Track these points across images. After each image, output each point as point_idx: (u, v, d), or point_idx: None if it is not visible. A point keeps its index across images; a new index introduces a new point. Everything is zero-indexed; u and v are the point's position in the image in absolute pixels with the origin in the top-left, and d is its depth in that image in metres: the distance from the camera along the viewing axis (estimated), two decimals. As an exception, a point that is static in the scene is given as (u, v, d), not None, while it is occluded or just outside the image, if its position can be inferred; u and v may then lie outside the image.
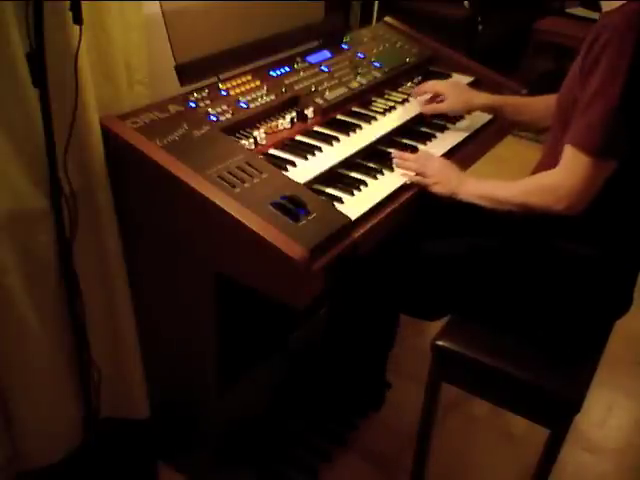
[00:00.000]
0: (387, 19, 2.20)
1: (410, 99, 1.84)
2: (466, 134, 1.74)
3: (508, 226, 1.46)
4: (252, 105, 1.57)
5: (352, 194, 1.40)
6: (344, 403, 1.78)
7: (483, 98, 1.74)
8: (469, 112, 1.77)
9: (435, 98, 1.77)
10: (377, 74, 1.88)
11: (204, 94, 1.54)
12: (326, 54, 1.89)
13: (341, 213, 1.30)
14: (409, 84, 1.95)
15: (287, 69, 1.76)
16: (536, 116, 1.69)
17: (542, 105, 1.67)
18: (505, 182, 1.41)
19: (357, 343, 1.65)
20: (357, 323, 1.61)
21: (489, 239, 1.47)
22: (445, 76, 2.04)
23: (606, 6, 1.28)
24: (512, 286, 1.41)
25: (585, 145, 1.23)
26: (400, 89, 1.92)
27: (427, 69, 2.08)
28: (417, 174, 1.49)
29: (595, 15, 1.36)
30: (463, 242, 1.51)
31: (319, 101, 1.67)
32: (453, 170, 1.51)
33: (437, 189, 1.47)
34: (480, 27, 3.87)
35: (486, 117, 1.82)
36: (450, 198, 1.46)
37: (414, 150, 1.62)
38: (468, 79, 2.03)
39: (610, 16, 1.23)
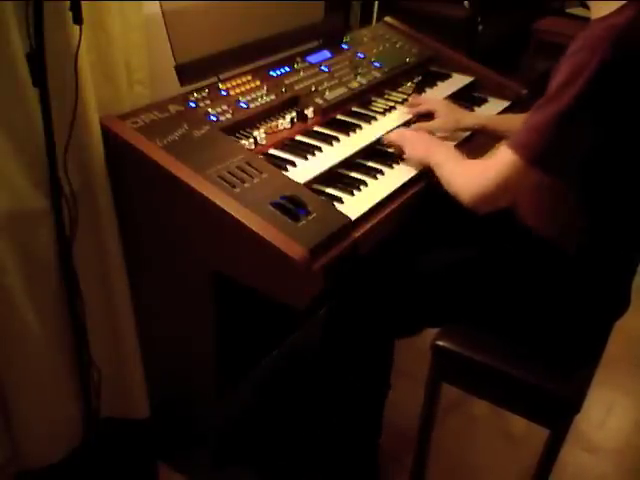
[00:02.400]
0: (387, 19, 2.21)
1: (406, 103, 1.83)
2: (466, 134, 1.74)
3: (503, 231, 1.46)
4: (252, 105, 1.57)
5: (352, 194, 1.40)
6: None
7: (472, 118, 1.75)
8: (458, 130, 1.74)
9: (426, 115, 1.75)
10: (377, 74, 1.88)
11: (204, 94, 1.54)
12: (326, 54, 1.89)
13: (341, 213, 1.30)
14: (409, 84, 1.95)
15: (287, 69, 1.76)
16: None
17: None
18: (462, 160, 1.42)
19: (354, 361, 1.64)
20: (353, 343, 1.59)
21: (485, 246, 1.47)
22: (445, 76, 2.04)
23: (595, 8, 1.26)
24: (510, 289, 1.41)
25: (516, 144, 1.19)
26: (400, 89, 1.92)
27: (427, 69, 2.08)
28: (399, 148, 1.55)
29: (595, 15, 1.34)
30: (459, 250, 1.51)
31: (319, 101, 1.67)
32: (431, 139, 1.56)
33: (411, 153, 1.51)
34: (480, 27, 3.86)
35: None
36: (425, 166, 1.48)
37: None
38: (468, 79, 2.03)
39: (593, 26, 1.19)
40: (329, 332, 1.57)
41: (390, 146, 1.58)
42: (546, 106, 1.17)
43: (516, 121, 1.72)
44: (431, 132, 1.71)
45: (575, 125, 1.16)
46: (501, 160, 1.23)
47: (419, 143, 1.53)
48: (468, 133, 1.72)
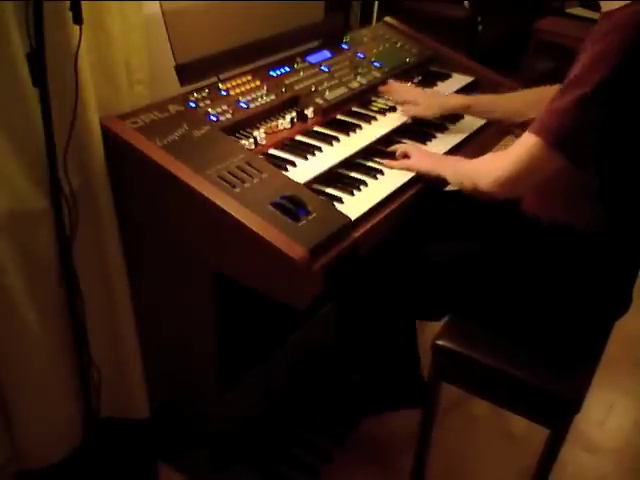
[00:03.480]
0: (387, 19, 2.21)
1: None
2: (466, 134, 1.74)
3: (505, 227, 1.46)
4: (252, 105, 1.57)
5: (352, 194, 1.40)
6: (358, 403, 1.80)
7: (457, 98, 1.75)
8: (444, 114, 1.74)
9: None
10: (377, 74, 1.88)
11: (204, 94, 1.54)
12: (326, 54, 1.89)
13: (341, 213, 1.30)
14: (409, 84, 1.95)
15: (287, 69, 1.76)
16: (509, 112, 1.67)
17: (518, 101, 1.67)
18: (473, 159, 1.41)
19: (368, 343, 1.65)
20: (366, 325, 1.61)
21: (487, 241, 1.47)
22: (445, 76, 2.04)
23: (605, 7, 1.27)
24: (511, 287, 1.41)
25: (539, 128, 1.19)
26: (400, 89, 1.92)
27: (427, 69, 2.08)
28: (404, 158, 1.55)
29: (595, 15, 1.34)
30: (462, 245, 1.51)
31: (319, 101, 1.67)
32: (436, 154, 1.56)
33: (417, 166, 1.49)
34: (480, 27, 3.87)
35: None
36: (435, 177, 1.48)
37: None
38: (468, 79, 2.03)
39: (612, 14, 1.20)
40: (344, 326, 1.59)
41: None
42: (570, 90, 1.17)
43: (502, 102, 1.71)
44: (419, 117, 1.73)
45: (599, 110, 1.15)
46: (524, 144, 1.23)
47: (425, 157, 1.54)
48: (471, 131, 1.73)
